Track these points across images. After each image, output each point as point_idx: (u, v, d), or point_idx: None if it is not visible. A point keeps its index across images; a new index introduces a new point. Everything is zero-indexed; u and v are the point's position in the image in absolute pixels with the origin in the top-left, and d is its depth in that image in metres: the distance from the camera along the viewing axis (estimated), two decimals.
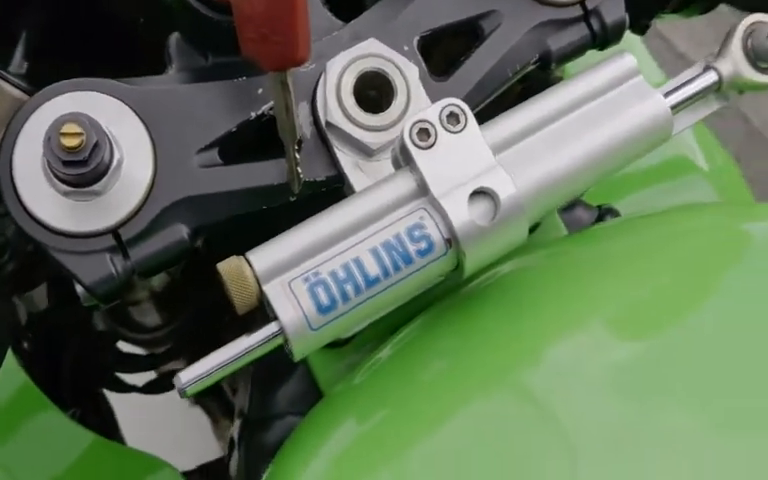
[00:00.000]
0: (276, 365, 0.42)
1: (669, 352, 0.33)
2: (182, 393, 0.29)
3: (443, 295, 0.37)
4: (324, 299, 0.30)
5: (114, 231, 0.34)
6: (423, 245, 0.31)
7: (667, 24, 1.82)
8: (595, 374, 0.33)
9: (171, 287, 0.50)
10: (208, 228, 0.36)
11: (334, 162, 0.36)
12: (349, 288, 0.30)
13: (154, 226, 0.35)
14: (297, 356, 0.30)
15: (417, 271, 0.31)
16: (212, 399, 0.92)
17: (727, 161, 0.64)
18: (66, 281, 0.54)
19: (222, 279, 0.30)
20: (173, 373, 0.67)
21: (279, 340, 0.30)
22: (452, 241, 0.31)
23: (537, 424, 0.31)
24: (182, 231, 0.35)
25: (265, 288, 0.30)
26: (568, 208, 0.45)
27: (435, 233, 0.31)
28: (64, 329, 0.54)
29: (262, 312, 0.33)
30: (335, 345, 0.39)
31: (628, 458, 0.30)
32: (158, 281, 0.45)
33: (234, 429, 0.45)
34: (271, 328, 0.30)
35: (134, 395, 0.66)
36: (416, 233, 0.31)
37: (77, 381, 0.58)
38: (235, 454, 0.44)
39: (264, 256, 0.30)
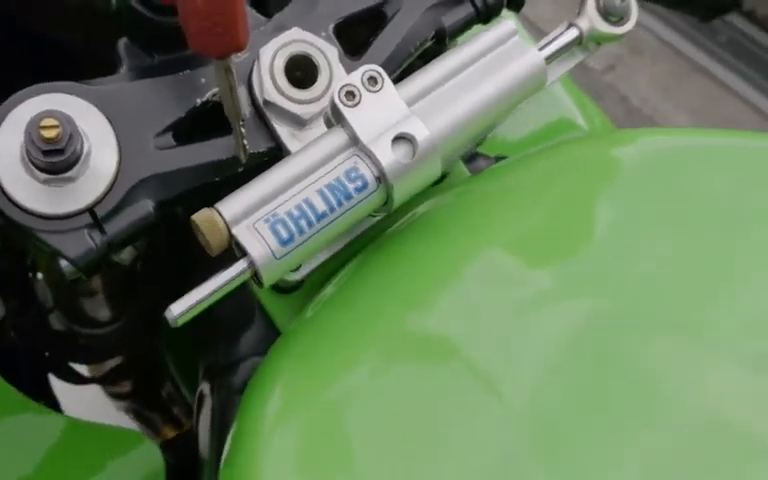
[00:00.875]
0: (238, 318, 0.48)
1: (573, 267, 0.40)
2: (174, 323, 0.35)
3: (375, 237, 0.44)
4: (284, 233, 0.36)
5: (90, 210, 0.40)
6: (359, 183, 0.37)
7: (538, 15, 1.96)
8: (508, 292, 0.40)
9: (127, 276, 0.55)
10: (170, 201, 0.41)
11: (272, 134, 0.43)
12: (303, 223, 0.36)
13: (124, 203, 0.40)
14: (266, 283, 0.37)
15: (356, 205, 0.37)
16: (153, 411, 0.96)
17: (604, 120, 0.74)
18: (21, 288, 0.58)
19: (197, 227, 0.36)
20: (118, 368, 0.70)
21: (250, 272, 0.36)
22: (381, 178, 0.38)
23: (460, 341, 0.38)
24: (148, 205, 0.41)
25: (234, 231, 0.36)
26: (470, 159, 0.53)
27: (368, 173, 0.38)
28: (21, 333, 0.58)
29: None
30: (288, 291, 0.45)
31: (536, 367, 0.37)
32: (127, 255, 0.50)
33: (203, 386, 0.50)
34: (242, 263, 0.36)
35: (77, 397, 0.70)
36: (352, 174, 0.38)
37: (36, 377, 0.61)
38: (204, 408, 0.49)
39: (231, 205, 0.37)
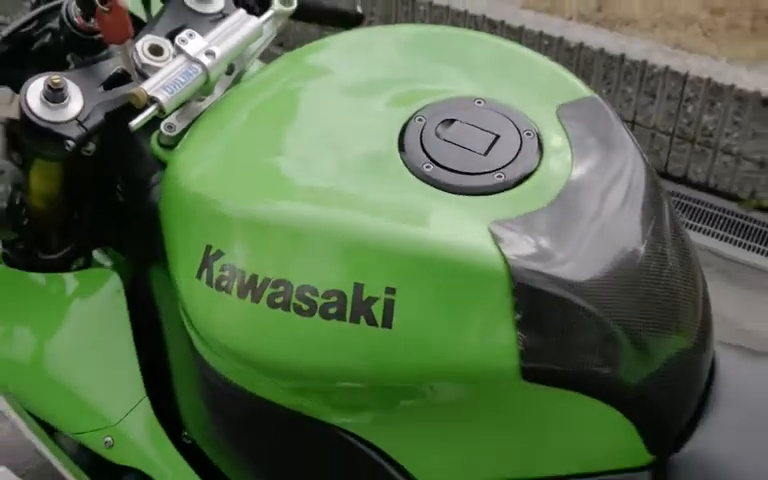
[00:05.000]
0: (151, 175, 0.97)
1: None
2: (132, 129, 0.85)
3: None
4: (169, 90, 0.88)
5: (76, 118, 0.89)
6: (195, 70, 0.91)
7: None
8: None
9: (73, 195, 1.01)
10: (112, 113, 0.91)
11: (146, 77, 0.95)
12: (175, 86, 0.88)
13: (90, 116, 0.90)
14: (167, 111, 0.88)
15: (195, 79, 0.91)
16: None
17: None
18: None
19: (134, 96, 0.87)
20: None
21: (158, 108, 0.87)
22: (203, 69, 0.92)
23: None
24: (101, 116, 0.91)
25: (149, 92, 0.88)
26: None
27: (199, 67, 0.91)
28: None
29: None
30: (172, 147, 0.96)
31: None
32: (91, 147, 0.96)
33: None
34: (154, 106, 0.87)
35: None
36: (191, 68, 0.91)
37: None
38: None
39: (147, 84, 0.88)
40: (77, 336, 0.96)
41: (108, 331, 0.96)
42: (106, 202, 1.04)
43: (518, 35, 2.80)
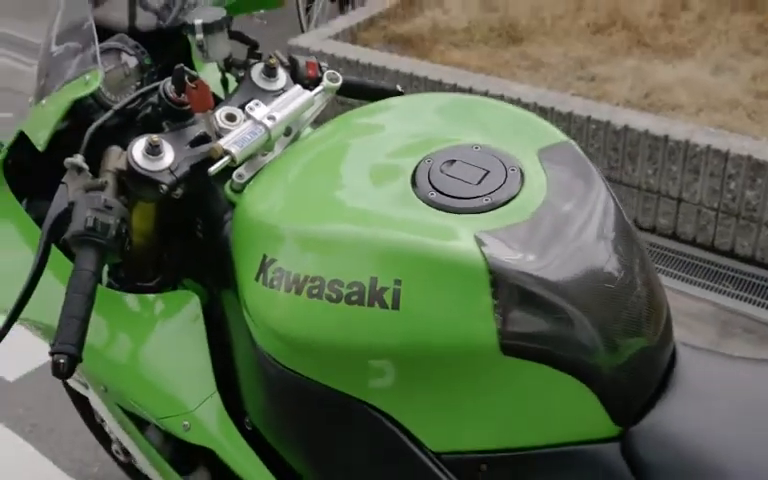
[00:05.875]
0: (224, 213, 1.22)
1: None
2: (211, 174, 1.11)
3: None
4: (239, 145, 1.14)
5: (169, 168, 1.16)
6: (259, 130, 1.17)
7: None
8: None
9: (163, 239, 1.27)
10: (196, 165, 1.18)
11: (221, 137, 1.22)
12: (244, 143, 1.15)
13: (179, 166, 1.17)
14: (238, 160, 1.14)
15: (259, 137, 1.16)
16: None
17: None
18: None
19: (214, 150, 1.13)
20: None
21: (230, 158, 1.13)
22: (266, 129, 1.18)
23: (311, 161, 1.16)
24: (187, 166, 1.17)
25: (225, 146, 1.14)
26: None
27: (262, 128, 1.17)
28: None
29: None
30: (240, 191, 1.21)
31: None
32: (179, 191, 1.22)
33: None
34: (228, 156, 1.13)
35: None
36: (257, 128, 1.17)
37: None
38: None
39: (223, 141, 1.14)
40: (164, 343, 1.21)
41: (188, 340, 1.20)
42: (189, 242, 1.30)
43: (566, 121, 3.03)
